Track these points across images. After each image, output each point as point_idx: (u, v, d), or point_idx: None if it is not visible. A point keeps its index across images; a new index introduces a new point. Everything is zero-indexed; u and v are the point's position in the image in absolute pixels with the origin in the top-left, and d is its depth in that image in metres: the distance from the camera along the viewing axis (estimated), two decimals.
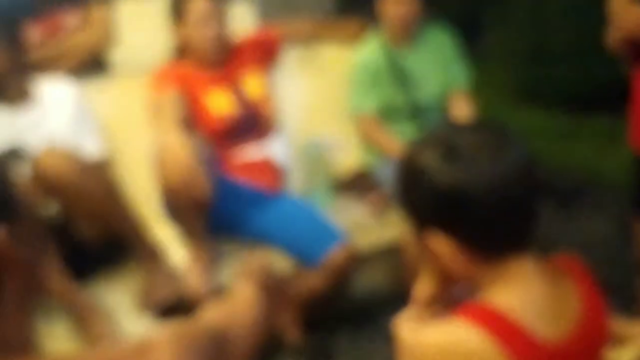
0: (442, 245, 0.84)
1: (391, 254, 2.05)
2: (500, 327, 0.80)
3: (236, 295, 0.94)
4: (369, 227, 2.03)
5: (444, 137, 0.86)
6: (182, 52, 1.97)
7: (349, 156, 2.24)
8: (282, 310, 1.91)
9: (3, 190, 0.69)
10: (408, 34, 2.17)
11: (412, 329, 0.89)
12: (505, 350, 0.78)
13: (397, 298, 2.23)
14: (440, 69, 2.22)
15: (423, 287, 0.94)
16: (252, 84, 1.98)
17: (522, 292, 0.83)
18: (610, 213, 2.55)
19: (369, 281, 2.24)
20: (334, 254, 1.83)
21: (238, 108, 1.91)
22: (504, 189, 0.81)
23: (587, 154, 3.07)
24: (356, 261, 1.90)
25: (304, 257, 1.87)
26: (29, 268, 0.71)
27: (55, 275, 1.68)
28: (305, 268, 1.87)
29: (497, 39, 3.69)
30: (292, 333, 2.06)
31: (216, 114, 1.89)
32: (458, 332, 0.81)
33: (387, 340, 2.18)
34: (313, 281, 1.86)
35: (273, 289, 1.00)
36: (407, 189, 0.88)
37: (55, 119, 1.85)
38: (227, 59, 1.97)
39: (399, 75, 2.17)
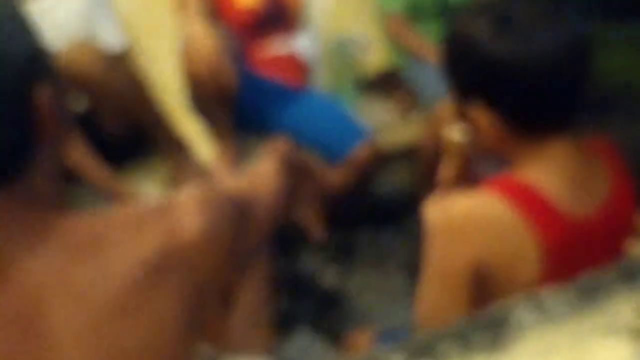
0: (483, 117, 0.82)
1: (415, 154, 2.03)
2: (526, 198, 0.79)
3: (258, 168, 0.93)
4: (394, 126, 2.00)
5: (497, 6, 0.82)
6: None
7: (376, 55, 2.18)
8: (306, 196, 1.93)
9: (44, 50, 0.67)
10: None
11: (438, 207, 0.89)
12: (529, 221, 0.78)
13: (419, 197, 2.24)
14: None
15: (448, 169, 0.94)
16: None
17: (552, 169, 0.82)
18: None
19: (391, 181, 2.24)
20: (358, 151, 1.82)
21: (264, 0, 1.85)
22: (554, 64, 0.79)
23: (620, 63, 2.96)
24: (380, 158, 1.88)
25: (329, 154, 1.86)
26: (65, 133, 0.71)
27: (89, 162, 1.70)
28: (330, 165, 1.87)
29: None
30: (316, 229, 2.09)
31: (241, 6, 1.83)
32: (483, 202, 0.80)
33: (408, 238, 2.21)
34: (337, 177, 1.86)
35: (297, 167, 0.99)
36: (455, 58, 0.86)
37: (67, 6, 1.79)
38: None
39: None
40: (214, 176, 1.79)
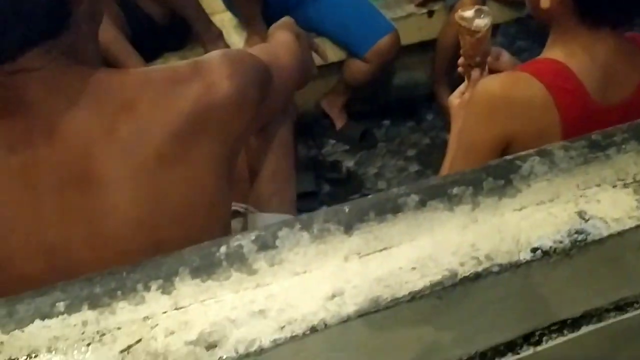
0: None
1: (435, 48, 1.96)
2: (559, 79, 0.76)
3: (275, 38, 0.90)
4: (416, 21, 1.91)
5: None
6: None
7: None
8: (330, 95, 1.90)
9: None
10: None
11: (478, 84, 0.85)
12: (557, 101, 0.75)
13: (435, 93, 2.17)
14: None
15: (463, 47, 0.90)
16: None
17: (590, 56, 0.78)
18: None
19: (411, 77, 2.18)
20: (382, 43, 1.76)
21: None
22: None
23: None
24: (400, 48, 1.82)
25: (354, 48, 1.80)
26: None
27: (121, 46, 1.66)
28: (355, 56, 1.82)
29: None
30: (341, 119, 2.07)
31: None
32: (519, 81, 0.77)
33: (426, 131, 2.17)
34: (362, 68, 1.81)
35: (306, 43, 0.96)
36: None
37: None
38: None
39: None
40: None
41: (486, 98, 0.80)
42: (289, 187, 0.91)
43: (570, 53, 0.79)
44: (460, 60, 0.93)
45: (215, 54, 0.69)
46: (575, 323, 0.53)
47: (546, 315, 0.51)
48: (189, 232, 0.65)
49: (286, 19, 0.98)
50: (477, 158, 0.80)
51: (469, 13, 0.87)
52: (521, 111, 0.78)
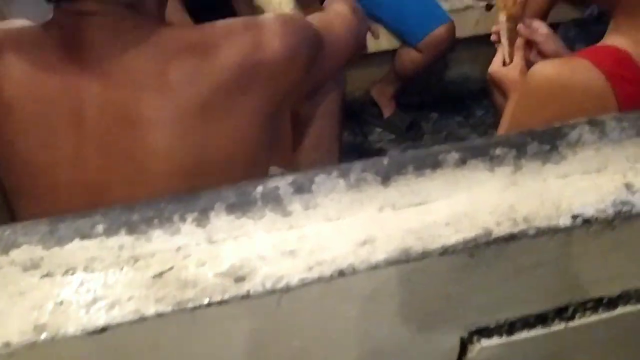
0: None
1: (489, 44, 1.91)
2: (619, 66, 0.72)
3: (331, 9, 0.89)
4: (473, 15, 1.87)
5: None
6: None
7: None
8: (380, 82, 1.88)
9: None
10: None
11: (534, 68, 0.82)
12: (617, 92, 0.71)
13: (487, 88, 2.12)
14: None
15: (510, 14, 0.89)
16: None
17: None
18: None
19: (463, 72, 2.14)
20: (437, 33, 1.72)
21: None
22: None
23: None
24: (455, 41, 1.78)
25: (408, 37, 1.77)
26: None
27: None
28: (409, 45, 1.79)
29: None
30: (390, 109, 2.05)
31: None
32: (573, 67, 0.73)
33: (474, 127, 2.12)
34: (414, 56, 1.78)
35: (362, 17, 0.96)
36: None
37: None
38: None
39: None
40: None
41: (541, 84, 0.76)
42: (332, 158, 0.90)
43: (635, 41, 0.74)
44: (495, 28, 0.93)
45: (269, 14, 0.69)
46: (611, 303, 0.50)
47: (582, 290, 0.49)
48: (225, 184, 0.65)
49: None
50: None
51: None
52: (578, 100, 0.73)
